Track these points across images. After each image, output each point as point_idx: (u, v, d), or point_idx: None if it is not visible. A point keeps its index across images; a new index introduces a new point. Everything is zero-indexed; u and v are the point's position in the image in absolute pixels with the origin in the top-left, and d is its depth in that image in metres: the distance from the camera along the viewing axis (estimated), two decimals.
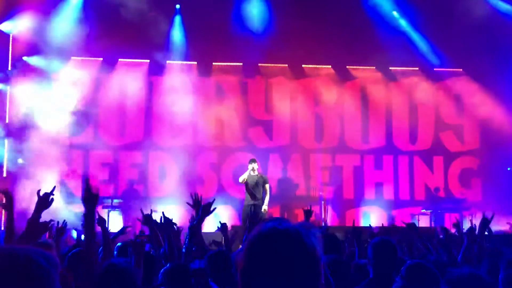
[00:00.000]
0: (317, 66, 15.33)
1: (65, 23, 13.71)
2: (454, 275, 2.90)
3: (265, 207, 12.25)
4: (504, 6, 14.68)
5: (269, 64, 15.13)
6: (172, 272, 4.16)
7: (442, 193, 13.99)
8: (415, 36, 15.15)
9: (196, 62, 14.92)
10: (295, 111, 15.35)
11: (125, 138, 14.55)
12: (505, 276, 3.18)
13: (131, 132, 14.60)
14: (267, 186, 12.43)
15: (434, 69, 15.35)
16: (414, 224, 7.30)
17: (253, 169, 12.36)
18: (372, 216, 14.70)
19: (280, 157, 14.84)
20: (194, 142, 14.49)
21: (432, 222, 13.77)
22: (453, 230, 6.75)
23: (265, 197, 12.32)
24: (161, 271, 4.32)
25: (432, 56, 15.17)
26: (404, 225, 7.19)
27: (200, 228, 5.49)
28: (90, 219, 3.51)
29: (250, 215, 10.49)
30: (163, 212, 5.72)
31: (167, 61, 14.52)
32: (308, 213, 6.10)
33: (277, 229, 1.57)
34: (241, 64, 14.98)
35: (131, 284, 3.19)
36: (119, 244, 5.60)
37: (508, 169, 14.67)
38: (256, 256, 1.55)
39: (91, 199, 3.51)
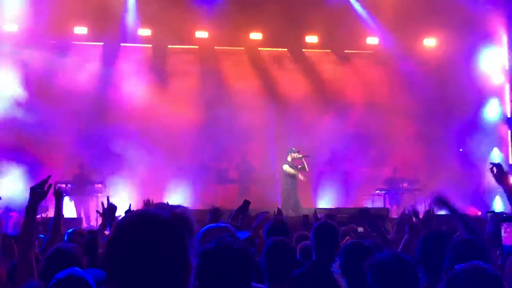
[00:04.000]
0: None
1: (15, 5, 13.33)
2: (375, 260, 2.91)
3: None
4: None
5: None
6: None
7: (397, 174, 14.13)
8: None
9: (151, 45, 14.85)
10: (253, 89, 15.25)
11: (79, 121, 14.21)
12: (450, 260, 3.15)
13: (85, 114, 14.29)
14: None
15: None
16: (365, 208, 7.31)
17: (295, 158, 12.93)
18: (328, 198, 14.77)
19: (238, 139, 14.55)
20: (151, 124, 14.24)
21: (387, 203, 13.93)
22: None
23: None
24: None
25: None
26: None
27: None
28: (33, 212, 3.58)
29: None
30: (107, 197, 5.73)
31: (121, 44, 14.32)
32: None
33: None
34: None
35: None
36: (70, 230, 5.56)
37: (460, 150, 14.91)
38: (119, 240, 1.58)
39: (40, 194, 3.57)
